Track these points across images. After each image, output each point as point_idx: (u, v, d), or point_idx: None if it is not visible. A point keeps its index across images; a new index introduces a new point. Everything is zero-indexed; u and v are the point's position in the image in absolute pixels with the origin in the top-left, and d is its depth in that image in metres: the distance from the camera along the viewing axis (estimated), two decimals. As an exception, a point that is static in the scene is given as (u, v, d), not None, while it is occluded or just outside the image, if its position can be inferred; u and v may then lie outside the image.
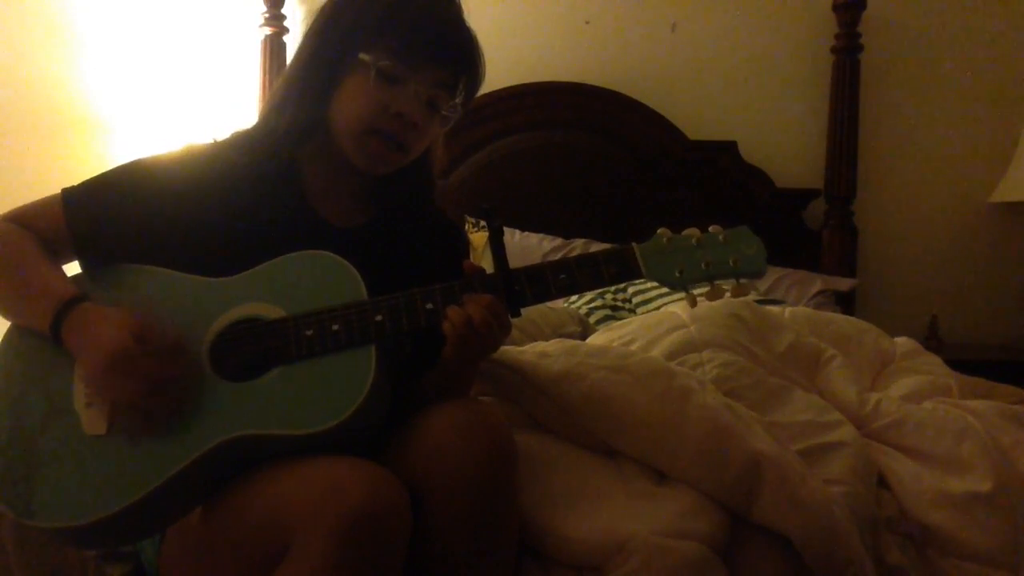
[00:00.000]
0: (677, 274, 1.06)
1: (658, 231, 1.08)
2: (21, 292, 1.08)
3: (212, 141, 1.22)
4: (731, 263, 1.06)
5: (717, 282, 1.07)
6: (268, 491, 0.98)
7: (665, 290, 2.11)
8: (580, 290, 1.09)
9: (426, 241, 1.26)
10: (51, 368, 1.06)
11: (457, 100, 1.17)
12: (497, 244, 1.08)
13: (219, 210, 1.15)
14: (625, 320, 1.83)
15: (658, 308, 2.10)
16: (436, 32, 1.14)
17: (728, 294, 1.08)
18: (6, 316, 1.11)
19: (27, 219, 1.13)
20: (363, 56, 1.12)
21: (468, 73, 1.18)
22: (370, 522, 0.89)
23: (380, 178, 1.24)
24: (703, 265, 1.06)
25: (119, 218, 1.13)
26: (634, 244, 1.08)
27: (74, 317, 1.03)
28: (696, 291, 1.09)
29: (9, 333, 1.11)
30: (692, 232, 1.08)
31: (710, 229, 1.08)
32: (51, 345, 1.05)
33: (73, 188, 1.15)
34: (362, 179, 1.24)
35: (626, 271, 1.07)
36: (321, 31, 1.18)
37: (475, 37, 1.18)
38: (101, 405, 1.03)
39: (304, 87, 1.17)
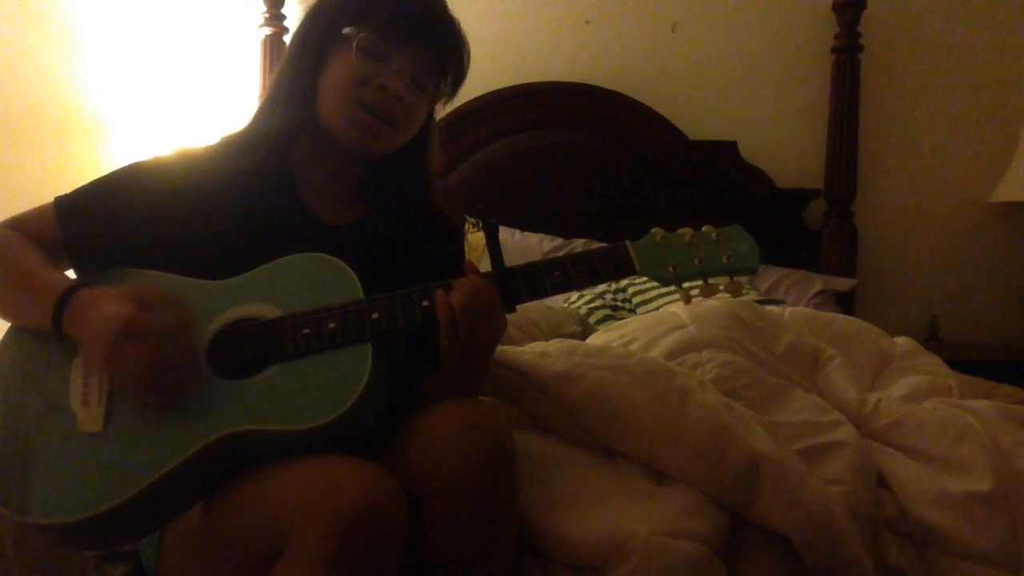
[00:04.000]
0: (670, 269, 1.08)
1: (652, 230, 1.10)
2: (20, 292, 1.09)
3: (206, 146, 1.22)
4: (724, 260, 1.08)
5: (711, 280, 1.09)
6: (265, 490, 0.98)
7: (665, 290, 2.11)
8: (575, 287, 1.10)
9: (422, 239, 1.26)
10: (48, 367, 1.07)
11: (444, 79, 1.19)
12: (492, 241, 1.09)
13: (213, 212, 1.15)
14: (625, 320, 1.83)
15: (658, 308, 2.10)
16: (417, 14, 1.16)
17: (722, 290, 1.09)
18: (6, 317, 1.12)
19: (22, 227, 1.14)
20: (346, 31, 1.14)
21: (451, 57, 1.19)
22: (366, 521, 0.89)
23: (374, 173, 1.24)
24: (696, 261, 1.08)
25: (113, 224, 1.13)
26: (628, 242, 1.09)
27: (73, 305, 1.03)
28: (690, 289, 1.09)
29: (7, 334, 1.12)
30: (685, 231, 1.10)
31: (703, 228, 1.10)
32: (48, 344, 1.06)
33: (66, 196, 1.15)
34: (356, 174, 1.24)
35: (620, 268, 1.08)
36: (306, 25, 1.20)
37: (458, 23, 1.20)
38: (97, 403, 1.03)
39: (293, 82, 1.18)
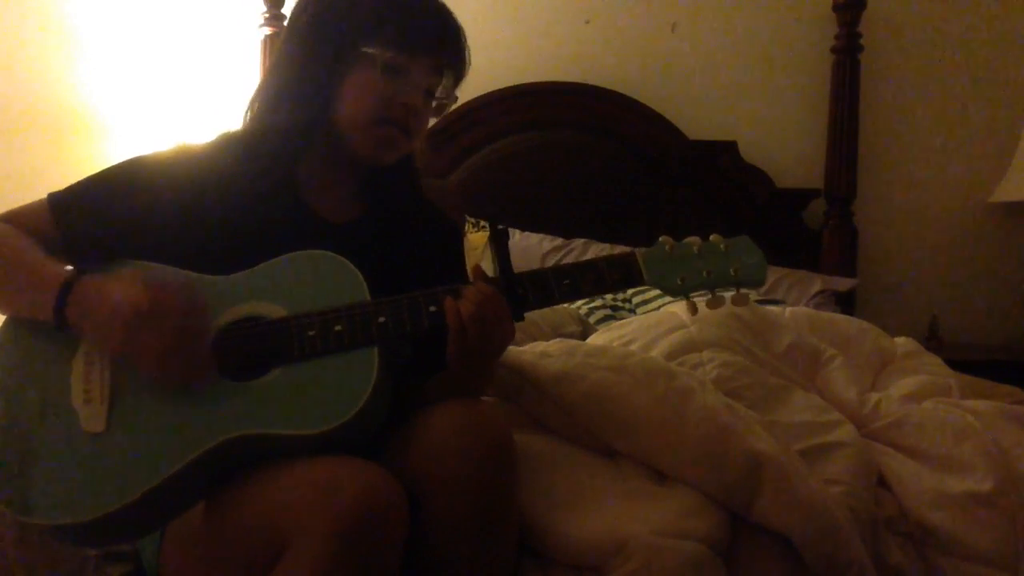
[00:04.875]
0: (679, 281, 1.08)
1: (660, 239, 1.10)
2: (18, 283, 1.07)
3: (206, 142, 1.21)
4: (732, 272, 1.08)
5: (718, 291, 1.09)
6: (266, 490, 0.98)
7: (666, 290, 2.12)
8: (583, 295, 1.10)
9: (422, 237, 1.26)
10: (47, 365, 1.06)
11: (449, 86, 1.20)
12: (501, 249, 1.08)
13: (214, 208, 1.14)
14: (625, 320, 1.83)
15: (658, 308, 2.10)
16: (431, 20, 1.17)
17: (728, 302, 1.09)
18: (4, 311, 1.10)
19: (16, 221, 1.12)
20: (367, 50, 1.13)
21: (457, 59, 1.20)
22: (366, 521, 0.89)
23: (373, 172, 1.24)
24: (704, 273, 1.08)
25: (110, 219, 1.12)
26: (636, 251, 1.09)
27: (77, 293, 1.02)
28: (696, 298, 1.10)
29: (2, 328, 1.10)
30: (694, 240, 1.10)
31: (711, 238, 1.10)
32: (47, 340, 1.05)
33: (60, 192, 1.14)
34: (357, 174, 1.24)
35: (629, 277, 1.09)
36: (312, 27, 1.18)
37: (463, 31, 1.21)
38: (99, 401, 1.03)
39: (302, 85, 1.17)
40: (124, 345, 1.00)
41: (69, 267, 1.11)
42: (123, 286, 1.00)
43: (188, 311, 1.01)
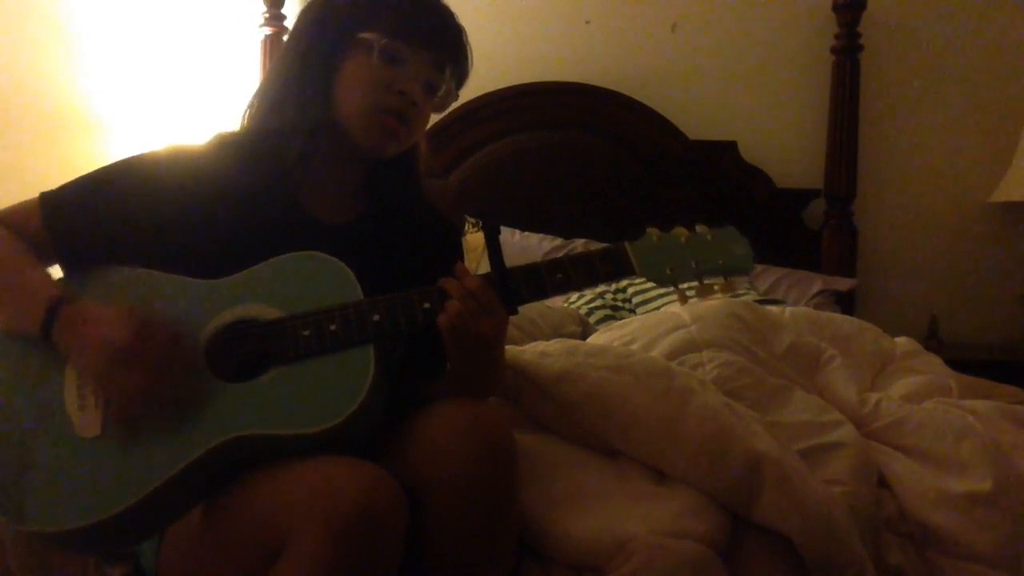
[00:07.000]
0: (668, 272, 1.08)
1: (648, 230, 1.10)
2: (8, 293, 1.07)
3: (201, 144, 1.21)
4: (720, 262, 1.09)
5: (706, 280, 1.09)
6: (265, 491, 0.97)
7: (665, 290, 2.12)
8: (576, 288, 1.10)
9: (418, 236, 1.26)
10: (39, 370, 1.05)
11: (451, 84, 1.20)
12: (493, 243, 1.08)
13: (208, 210, 1.13)
14: (625, 320, 1.83)
15: (658, 308, 2.10)
16: (430, 15, 1.18)
17: (717, 290, 1.09)
18: None
19: (8, 221, 1.11)
20: (364, 35, 1.13)
21: (458, 58, 1.20)
22: (365, 522, 0.89)
23: (370, 172, 1.24)
24: (693, 263, 1.08)
25: (101, 220, 1.11)
26: (626, 243, 1.09)
27: (67, 316, 1.02)
28: (687, 290, 1.10)
29: None
30: (680, 231, 1.10)
31: (697, 228, 1.11)
32: (38, 348, 1.04)
33: (51, 191, 1.13)
34: (357, 174, 1.24)
35: (620, 269, 1.09)
36: (313, 25, 1.19)
37: (465, 32, 1.21)
38: (95, 407, 1.02)
39: (303, 85, 1.17)
40: (104, 380, 1.01)
41: (57, 279, 1.10)
42: (109, 323, 1.00)
43: (165, 373, 1.01)
